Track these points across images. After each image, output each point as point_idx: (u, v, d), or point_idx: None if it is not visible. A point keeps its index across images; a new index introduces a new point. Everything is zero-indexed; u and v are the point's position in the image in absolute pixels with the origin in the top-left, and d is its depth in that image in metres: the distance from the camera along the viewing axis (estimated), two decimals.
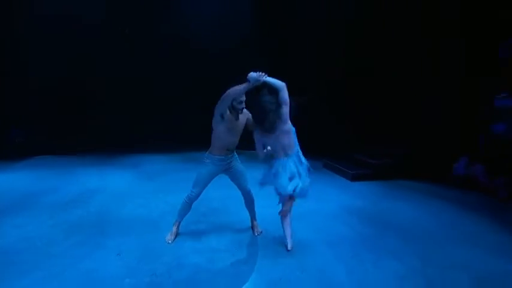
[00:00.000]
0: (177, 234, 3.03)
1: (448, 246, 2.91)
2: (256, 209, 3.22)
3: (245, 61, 7.24)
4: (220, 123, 2.78)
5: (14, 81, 6.67)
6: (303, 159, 2.76)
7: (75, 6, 6.62)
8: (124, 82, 7.30)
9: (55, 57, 6.76)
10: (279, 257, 2.70)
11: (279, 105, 2.60)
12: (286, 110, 2.61)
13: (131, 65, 7.32)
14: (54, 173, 5.47)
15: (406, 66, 6.33)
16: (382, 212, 3.76)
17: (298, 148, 2.77)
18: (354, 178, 5.04)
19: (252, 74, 2.53)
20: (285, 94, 2.61)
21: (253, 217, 3.22)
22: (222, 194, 4.03)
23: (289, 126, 2.68)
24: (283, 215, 2.86)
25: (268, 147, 2.65)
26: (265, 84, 2.60)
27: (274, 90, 2.63)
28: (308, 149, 3.03)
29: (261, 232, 3.15)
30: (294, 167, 2.70)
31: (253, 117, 2.79)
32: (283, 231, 2.89)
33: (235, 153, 3.05)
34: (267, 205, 3.32)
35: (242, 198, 3.17)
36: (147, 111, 7.65)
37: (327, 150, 6.50)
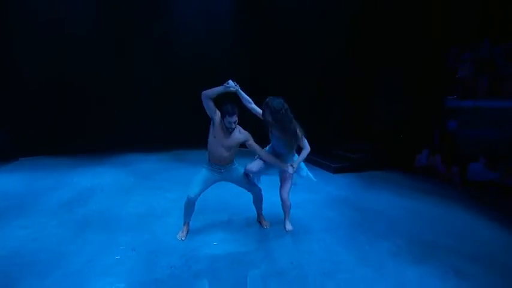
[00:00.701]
0: (188, 232, 2.97)
1: (422, 226, 3.15)
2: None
3: (232, 61, 7.28)
4: (210, 132, 2.82)
5: None
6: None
7: (64, 7, 6.18)
8: (110, 82, 6.91)
9: (40, 57, 6.24)
10: (287, 244, 2.77)
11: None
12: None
13: (117, 64, 6.95)
14: (45, 174, 5.07)
15: (375, 70, 6.74)
16: (365, 199, 3.98)
17: None
18: (336, 171, 5.27)
19: (230, 82, 2.73)
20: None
21: (259, 212, 3.22)
22: (224, 189, 3.99)
23: None
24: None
25: None
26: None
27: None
28: None
29: (269, 225, 3.16)
30: None
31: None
32: (286, 214, 3.06)
33: (235, 164, 2.98)
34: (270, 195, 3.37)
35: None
36: (134, 111, 7.31)
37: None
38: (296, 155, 2.96)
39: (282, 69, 7.01)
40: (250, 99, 2.93)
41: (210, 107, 2.76)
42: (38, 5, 6.07)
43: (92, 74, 6.70)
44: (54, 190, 4.24)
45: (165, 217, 3.40)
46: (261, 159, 2.92)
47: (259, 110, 2.87)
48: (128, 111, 7.21)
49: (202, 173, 2.92)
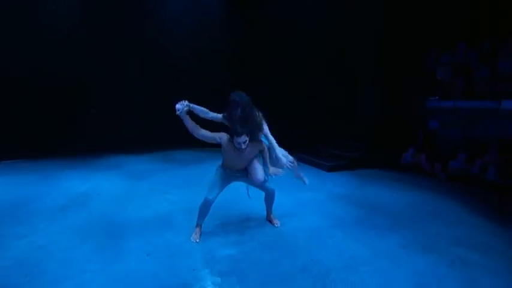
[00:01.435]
0: (201, 234, 2.92)
1: (421, 219, 3.37)
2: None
3: (219, 64, 7.23)
4: (222, 148, 2.79)
5: None
6: None
7: (48, 4, 5.79)
8: (95, 82, 6.58)
9: (22, 57, 5.82)
10: (302, 242, 2.82)
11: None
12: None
13: (103, 64, 6.62)
14: (32, 178, 4.75)
15: (359, 72, 7.05)
16: (364, 196, 4.16)
17: None
18: (330, 169, 5.45)
19: (177, 106, 2.62)
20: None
21: (269, 211, 3.26)
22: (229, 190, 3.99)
23: None
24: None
25: None
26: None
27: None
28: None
29: (279, 224, 3.20)
30: None
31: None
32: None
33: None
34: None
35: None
36: (120, 111, 7.01)
37: (296, 145, 6.84)
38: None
39: (274, 66, 7.08)
40: (205, 110, 2.82)
41: (207, 138, 2.72)
42: (19, 2, 5.67)
43: (75, 74, 6.35)
44: (46, 195, 3.98)
45: (171, 220, 3.33)
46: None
47: (218, 115, 2.82)
48: (112, 112, 6.90)
49: (218, 175, 2.90)
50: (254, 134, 2.76)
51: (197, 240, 2.83)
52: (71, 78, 6.35)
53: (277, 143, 2.86)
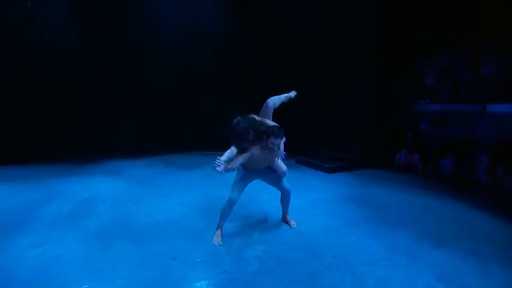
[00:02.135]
0: (222, 236, 2.97)
1: (426, 216, 3.59)
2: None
3: (216, 66, 7.25)
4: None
5: None
6: None
7: (37, 6, 5.57)
8: (87, 85, 6.39)
9: (11, 58, 5.55)
10: (321, 241, 2.93)
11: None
12: None
13: (91, 68, 6.44)
14: (30, 184, 4.59)
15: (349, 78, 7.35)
16: (368, 195, 4.35)
17: None
18: (330, 170, 5.64)
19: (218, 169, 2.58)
20: None
21: (285, 211, 3.36)
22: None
23: None
24: None
25: None
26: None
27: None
28: None
29: (296, 224, 3.30)
30: None
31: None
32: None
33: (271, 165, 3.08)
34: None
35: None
36: (114, 115, 6.84)
37: (293, 147, 7.00)
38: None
39: (270, 69, 7.21)
40: (234, 155, 2.78)
41: (247, 159, 2.79)
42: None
43: (67, 76, 6.15)
44: (48, 202, 3.85)
45: (188, 223, 3.34)
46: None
47: (245, 154, 2.79)
48: (107, 116, 6.72)
49: (239, 175, 2.96)
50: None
51: (220, 243, 2.87)
52: (63, 80, 6.13)
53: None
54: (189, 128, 7.36)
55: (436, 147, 6.06)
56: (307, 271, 2.44)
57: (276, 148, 2.79)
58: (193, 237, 3.01)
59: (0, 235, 2.96)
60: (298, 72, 7.30)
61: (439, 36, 6.54)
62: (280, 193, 3.28)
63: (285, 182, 3.20)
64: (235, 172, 3.03)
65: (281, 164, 3.04)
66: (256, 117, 2.91)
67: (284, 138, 2.86)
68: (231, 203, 2.88)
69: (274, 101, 3.12)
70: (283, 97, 3.27)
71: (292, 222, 3.33)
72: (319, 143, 6.97)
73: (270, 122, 2.99)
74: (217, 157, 2.63)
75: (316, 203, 3.99)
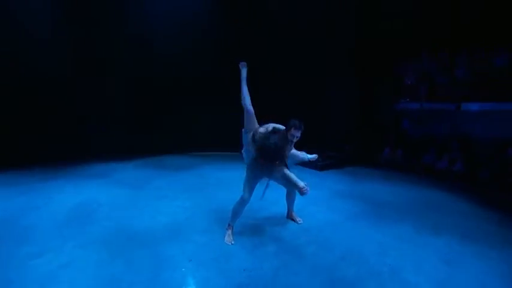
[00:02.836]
0: (233, 235, 3.00)
1: (421, 208, 3.88)
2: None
3: (205, 62, 7.18)
4: None
5: None
6: None
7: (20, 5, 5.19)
8: (69, 86, 6.05)
9: None
10: (329, 235, 3.07)
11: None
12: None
13: (71, 66, 6.10)
14: (16, 191, 4.27)
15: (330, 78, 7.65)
16: (360, 191, 4.57)
17: None
18: (322, 168, 5.84)
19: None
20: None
21: (291, 208, 3.45)
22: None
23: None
24: None
25: None
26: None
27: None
28: None
29: (301, 221, 3.40)
30: None
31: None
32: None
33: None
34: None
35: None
36: (97, 117, 6.53)
37: None
38: None
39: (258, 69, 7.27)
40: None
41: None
42: None
43: (51, 75, 5.78)
44: (37, 209, 3.63)
45: (192, 225, 3.32)
46: None
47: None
48: (90, 118, 6.41)
49: (251, 174, 3.00)
50: None
51: (232, 242, 2.90)
52: (46, 81, 5.75)
53: None
54: (176, 129, 7.24)
55: (416, 143, 6.52)
56: (323, 264, 2.55)
57: (295, 140, 2.87)
58: (203, 237, 3.00)
59: None
60: (281, 73, 7.47)
61: (418, 40, 7.01)
62: (285, 190, 3.38)
63: (293, 183, 3.29)
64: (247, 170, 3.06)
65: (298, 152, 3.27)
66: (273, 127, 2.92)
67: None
68: (243, 202, 2.92)
69: (245, 99, 3.00)
70: (244, 87, 3.13)
71: (298, 219, 3.44)
72: (307, 142, 7.17)
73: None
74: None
75: (315, 200, 4.11)
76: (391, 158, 6.53)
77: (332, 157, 6.35)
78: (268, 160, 2.84)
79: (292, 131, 2.81)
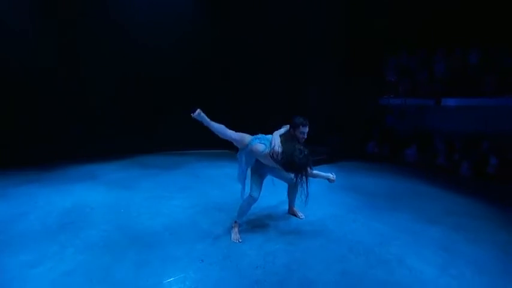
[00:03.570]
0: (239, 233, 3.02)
1: (413, 198, 4.12)
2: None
3: (187, 59, 7.04)
4: None
5: None
6: None
7: None
8: (49, 81, 5.67)
9: None
10: (335, 228, 3.19)
11: None
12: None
13: (47, 62, 5.74)
14: None
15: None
16: (355, 184, 4.76)
17: None
18: (315, 163, 5.98)
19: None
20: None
21: (292, 204, 3.53)
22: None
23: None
24: None
25: None
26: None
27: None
28: None
29: (303, 216, 3.49)
30: None
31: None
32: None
33: None
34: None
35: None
36: (75, 116, 6.19)
37: None
38: None
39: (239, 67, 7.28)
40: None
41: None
42: None
43: (25, 69, 5.39)
44: (25, 215, 3.42)
45: (195, 224, 3.30)
46: None
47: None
48: (67, 117, 6.06)
49: (257, 172, 3.03)
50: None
51: (240, 240, 2.92)
52: (19, 75, 5.36)
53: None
54: (159, 128, 7.06)
55: (399, 137, 6.88)
56: (333, 256, 2.65)
57: (305, 136, 2.95)
58: (209, 237, 3.00)
59: None
60: (267, 71, 7.53)
61: (398, 38, 7.36)
62: (287, 186, 3.46)
63: (293, 175, 3.37)
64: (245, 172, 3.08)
65: None
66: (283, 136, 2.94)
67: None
68: (252, 200, 2.95)
69: (223, 134, 2.92)
70: (212, 125, 2.94)
71: (300, 214, 3.53)
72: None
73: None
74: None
75: (313, 195, 4.13)
76: (377, 152, 6.84)
77: (322, 152, 6.53)
78: (303, 169, 2.74)
79: (301, 128, 2.88)
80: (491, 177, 5.06)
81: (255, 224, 3.30)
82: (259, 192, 2.97)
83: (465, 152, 5.63)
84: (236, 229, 3.02)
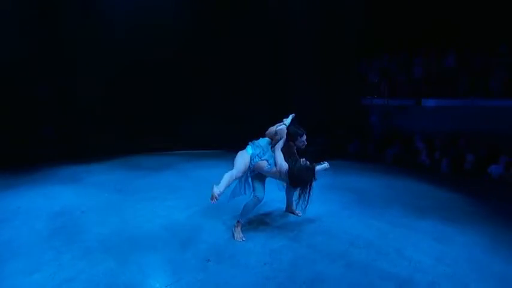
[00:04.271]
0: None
1: (403, 194, 4.34)
2: None
3: (167, 64, 6.93)
4: None
5: None
6: None
7: None
8: (28, 77, 5.36)
9: None
10: (332, 225, 3.30)
11: None
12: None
13: (26, 61, 5.43)
14: None
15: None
16: (344, 183, 4.91)
17: None
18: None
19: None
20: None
21: (290, 202, 3.58)
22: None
23: None
24: None
25: None
26: None
27: None
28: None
29: (301, 213, 3.53)
30: None
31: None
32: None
33: None
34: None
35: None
36: (54, 117, 5.89)
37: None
38: None
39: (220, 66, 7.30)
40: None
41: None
42: None
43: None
44: (11, 221, 3.26)
45: (195, 225, 3.30)
46: None
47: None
48: (46, 118, 5.76)
49: (259, 176, 3.08)
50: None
51: (243, 239, 2.95)
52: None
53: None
54: (146, 129, 6.92)
55: (382, 136, 7.21)
56: (336, 251, 2.76)
57: (306, 143, 3.17)
58: (211, 237, 3.01)
59: None
60: (248, 72, 7.61)
61: (379, 42, 7.70)
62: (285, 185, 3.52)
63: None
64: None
65: None
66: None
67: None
68: (258, 201, 3.01)
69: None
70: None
71: (297, 212, 3.61)
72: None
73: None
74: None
75: None
76: (360, 151, 7.11)
77: (307, 152, 6.68)
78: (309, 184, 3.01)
79: (300, 138, 3.05)
80: (469, 173, 5.46)
81: (255, 223, 3.34)
82: (264, 192, 3.03)
83: (444, 150, 6.01)
84: (239, 228, 3.04)
